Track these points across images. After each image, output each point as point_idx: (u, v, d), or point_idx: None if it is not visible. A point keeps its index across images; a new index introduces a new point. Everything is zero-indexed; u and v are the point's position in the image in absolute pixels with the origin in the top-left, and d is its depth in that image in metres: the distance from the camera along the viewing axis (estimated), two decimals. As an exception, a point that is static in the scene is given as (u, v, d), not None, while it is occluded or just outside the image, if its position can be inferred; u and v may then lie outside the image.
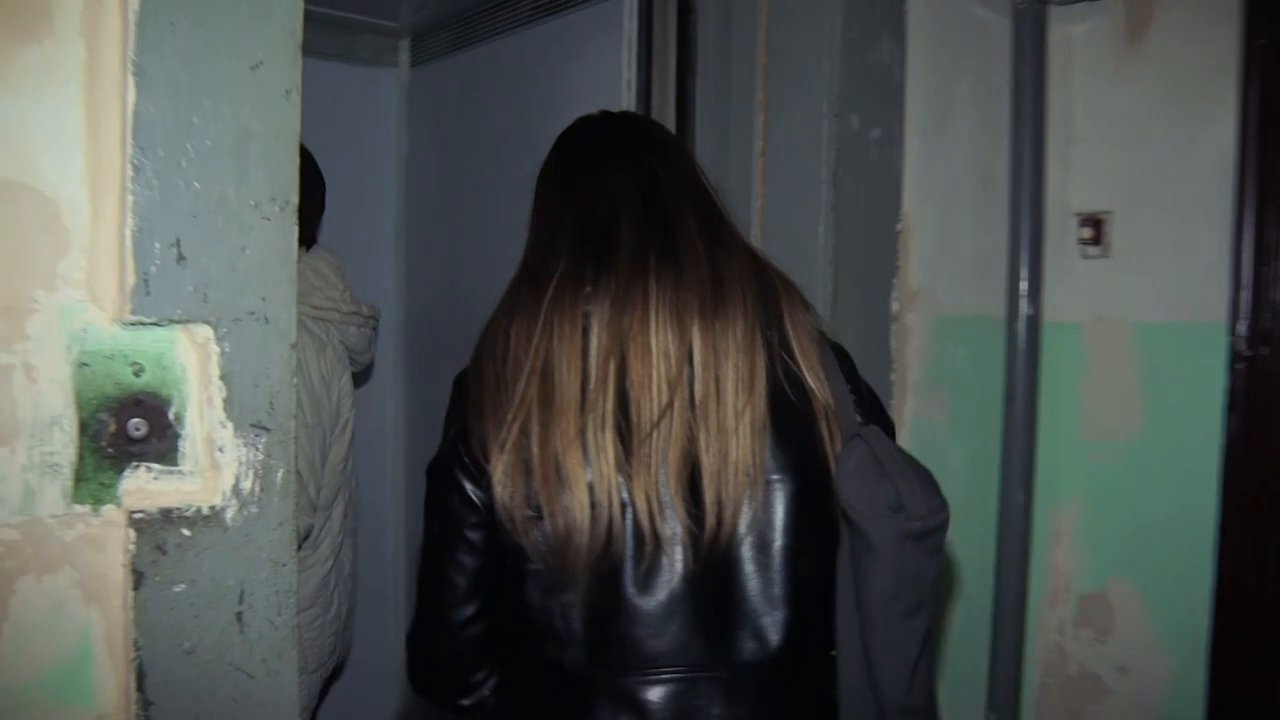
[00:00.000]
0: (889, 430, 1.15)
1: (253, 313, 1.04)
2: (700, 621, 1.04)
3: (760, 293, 1.10)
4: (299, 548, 1.68)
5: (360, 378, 2.78)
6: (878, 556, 1.00)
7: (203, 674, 1.03)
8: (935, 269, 1.81)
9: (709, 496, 1.03)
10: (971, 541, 1.87)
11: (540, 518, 1.03)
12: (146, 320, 0.98)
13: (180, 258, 1.00)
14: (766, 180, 1.68)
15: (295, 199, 1.05)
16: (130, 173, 0.96)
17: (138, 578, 0.99)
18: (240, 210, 1.02)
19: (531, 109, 2.37)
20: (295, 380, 1.07)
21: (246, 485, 1.04)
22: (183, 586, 1.01)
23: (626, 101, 1.93)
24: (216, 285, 1.01)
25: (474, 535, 1.08)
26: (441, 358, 2.74)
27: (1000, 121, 1.88)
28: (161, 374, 1.01)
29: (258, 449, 1.05)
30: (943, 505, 1.03)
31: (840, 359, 1.17)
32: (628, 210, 1.11)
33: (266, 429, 1.05)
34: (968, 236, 1.86)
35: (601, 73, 2.06)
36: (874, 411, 1.17)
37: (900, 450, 1.07)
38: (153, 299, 0.98)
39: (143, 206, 0.97)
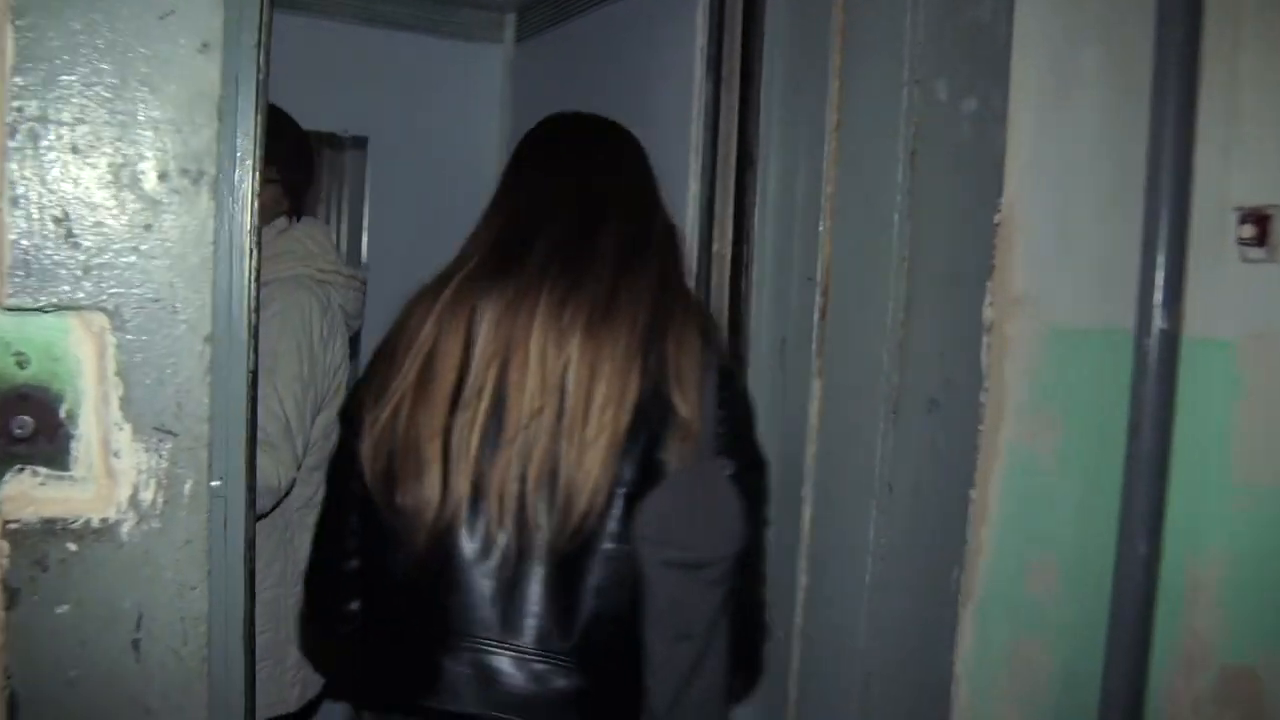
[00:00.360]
0: (746, 459, 1.19)
1: (158, 300, 0.91)
2: (511, 608, 1.11)
3: (657, 315, 1.14)
4: (277, 504, 1.58)
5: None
6: (643, 579, 1.11)
7: (90, 708, 0.91)
8: (1047, 270, 1.50)
9: (559, 500, 1.10)
10: (1080, 597, 1.57)
11: (396, 487, 1.12)
12: (29, 305, 0.86)
13: (69, 235, 0.87)
14: (839, 161, 1.43)
15: (213, 170, 0.91)
16: (8, 137, 0.84)
17: (11, 596, 0.87)
18: (143, 182, 0.89)
19: (625, 81, 2.22)
20: (210, 379, 0.93)
21: (147, 496, 0.92)
22: (66, 608, 0.90)
23: (698, 73, 1.74)
24: (114, 267, 0.89)
25: (355, 486, 1.17)
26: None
27: (1141, 94, 1.55)
28: (51, 366, 0.89)
29: (161, 456, 0.91)
30: (724, 544, 1.13)
31: (722, 384, 1.18)
32: (551, 219, 1.18)
33: (172, 433, 0.91)
34: (1092, 232, 1.54)
35: (682, 42, 1.87)
36: (737, 440, 1.19)
37: (727, 487, 1.15)
38: (36, 281, 0.86)
39: (23, 175, 0.85)
